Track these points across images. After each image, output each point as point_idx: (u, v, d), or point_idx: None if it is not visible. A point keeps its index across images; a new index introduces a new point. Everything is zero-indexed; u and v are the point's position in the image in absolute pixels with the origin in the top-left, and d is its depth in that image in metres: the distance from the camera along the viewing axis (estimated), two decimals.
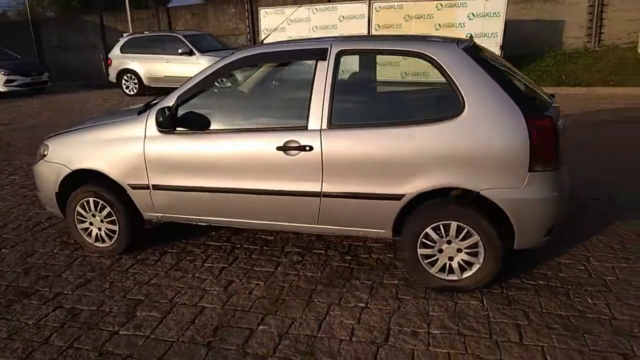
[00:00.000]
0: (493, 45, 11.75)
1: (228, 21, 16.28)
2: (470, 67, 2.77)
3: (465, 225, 2.81)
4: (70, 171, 3.53)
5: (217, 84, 3.56)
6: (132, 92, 13.52)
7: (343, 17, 13.05)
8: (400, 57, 3.29)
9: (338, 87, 2.95)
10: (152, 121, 3.28)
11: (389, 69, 12.70)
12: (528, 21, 13.27)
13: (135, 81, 13.43)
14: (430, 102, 3.12)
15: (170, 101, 3.25)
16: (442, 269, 2.94)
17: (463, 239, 2.84)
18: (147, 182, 3.36)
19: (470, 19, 11.88)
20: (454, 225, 2.83)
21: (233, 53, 3.29)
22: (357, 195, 2.94)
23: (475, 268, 2.87)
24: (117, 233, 3.57)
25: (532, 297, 2.89)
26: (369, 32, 12.79)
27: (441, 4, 12.10)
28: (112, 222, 3.56)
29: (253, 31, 15.95)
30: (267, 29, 13.89)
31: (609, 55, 12.41)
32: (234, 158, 3.14)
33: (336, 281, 3.16)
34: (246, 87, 3.88)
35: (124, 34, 14.36)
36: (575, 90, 11.01)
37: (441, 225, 2.86)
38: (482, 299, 2.89)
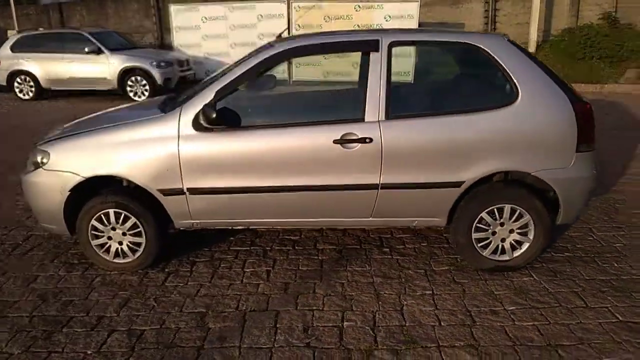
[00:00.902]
0: None
1: (131, 18, 15.25)
2: (518, 57, 3.00)
3: (518, 207, 3.04)
4: (83, 179, 3.14)
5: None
6: (27, 96, 12.05)
7: (262, 15, 12.94)
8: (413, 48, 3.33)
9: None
10: (186, 119, 3.06)
11: (310, 70, 12.97)
12: (433, 23, 14.28)
13: (31, 84, 12.01)
14: (484, 90, 3.29)
15: (207, 97, 3.05)
16: (495, 251, 3.15)
17: (515, 220, 3.08)
18: (182, 186, 3.12)
19: (387, 20, 12.47)
20: (507, 207, 3.05)
21: (272, 45, 3.17)
22: (416, 185, 3.03)
23: (525, 247, 3.13)
24: (143, 246, 3.26)
25: (571, 268, 3.22)
26: (289, 32, 12.85)
27: (359, 6, 12.55)
28: (137, 235, 3.25)
29: (161, 29, 15.14)
30: (179, 27, 13.30)
31: None
32: (284, 154, 3.04)
33: (390, 273, 3.23)
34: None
35: (11, 32, 12.79)
36: None
37: (495, 209, 3.06)
38: (532, 274, 3.16)
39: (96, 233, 3.27)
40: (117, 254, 3.31)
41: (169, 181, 3.12)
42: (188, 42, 13.28)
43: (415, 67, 9.89)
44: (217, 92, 3.04)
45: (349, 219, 3.23)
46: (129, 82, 11.02)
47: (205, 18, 13.07)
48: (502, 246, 3.15)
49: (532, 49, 13.54)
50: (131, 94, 11.02)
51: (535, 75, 2.97)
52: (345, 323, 2.70)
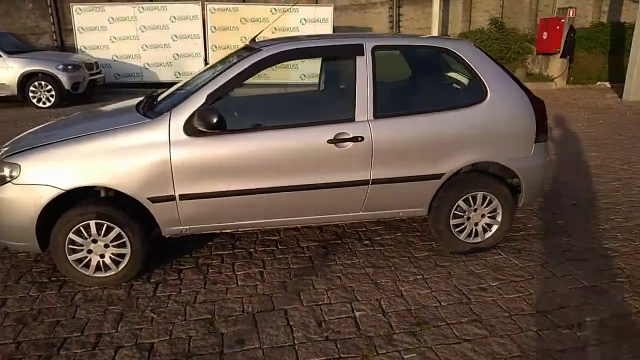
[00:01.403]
0: None
1: (25, 18, 13.91)
2: (485, 60, 3.33)
3: (489, 194, 3.38)
4: (62, 192, 2.93)
5: None
6: None
7: (175, 17, 12.53)
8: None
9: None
10: (176, 124, 2.98)
11: (287, 72, 12.82)
12: (344, 27, 14.80)
13: None
14: (457, 90, 3.57)
15: (198, 101, 3.00)
16: (469, 234, 3.46)
17: (487, 205, 3.41)
18: (173, 193, 3.04)
19: (303, 24, 12.73)
20: (480, 194, 3.38)
21: (261, 49, 3.19)
22: (403, 179, 3.24)
23: (494, 229, 3.48)
24: (128, 257, 3.11)
25: (530, 245, 3.64)
26: (204, 34, 12.61)
27: (275, 9, 12.67)
28: (121, 245, 3.09)
29: (60, 30, 14.00)
30: (82, 28, 12.44)
31: None
32: (278, 156, 3.09)
33: (378, 262, 3.41)
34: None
35: None
36: None
37: (470, 197, 3.37)
38: (500, 253, 3.52)
39: (74, 247, 3.05)
40: (97, 268, 3.12)
41: (159, 188, 3.02)
42: (93, 44, 12.48)
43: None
44: (209, 97, 3.01)
45: (339, 215, 3.35)
46: (32, 88, 10.10)
47: (113, 19, 12.37)
48: (475, 230, 3.47)
49: None
50: (34, 100, 10.13)
51: (499, 76, 3.33)
52: (356, 313, 2.82)
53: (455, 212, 3.40)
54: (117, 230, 3.05)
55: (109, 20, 12.39)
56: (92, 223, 3.02)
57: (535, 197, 3.62)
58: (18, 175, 2.93)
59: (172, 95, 3.42)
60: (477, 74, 3.29)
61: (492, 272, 3.26)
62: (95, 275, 3.13)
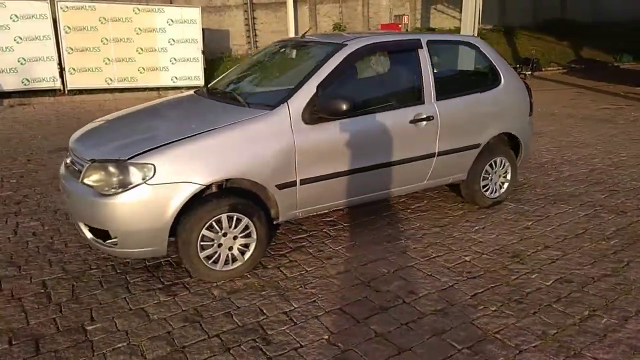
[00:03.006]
0: (195, 50, 12.74)
1: None
2: (495, 52, 4.26)
3: (504, 158, 4.34)
4: (202, 187, 2.92)
5: None
6: None
7: (17, 16, 10.91)
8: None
9: None
10: (295, 113, 3.20)
11: (158, 74, 11.91)
12: (203, 29, 14.71)
13: None
14: (481, 75, 4.35)
15: (310, 91, 3.26)
16: (492, 192, 4.38)
17: (502, 167, 4.37)
18: (295, 178, 3.25)
19: (170, 24, 12.35)
20: (499, 159, 4.31)
21: (346, 44, 3.53)
22: (457, 150, 3.98)
23: (506, 185, 4.46)
24: (253, 246, 3.20)
25: (522, 195, 4.73)
26: (57, 34, 11.29)
27: (138, 8, 12.01)
28: (247, 236, 3.17)
29: None
30: None
31: None
32: (374, 136, 3.53)
33: (436, 224, 4.09)
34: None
35: None
36: None
37: (492, 162, 4.28)
38: (509, 204, 4.52)
39: (205, 243, 3.03)
40: (226, 262, 3.14)
41: (285, 175, 3.19)
42: None
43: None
44: (318, 87, 3.28)
45: (411, 186, 3.92)
46: None
47: None
48: (494, 188, 4.40)
49: None
50: None
51: (505, 65, 4.31)
52: (466, 257, 3.46)
53: (484, 175, 4.26)
54: (246, 220, 3.12)
55: None
56: (224, 216, 3.04)
57: (528, 157, 4.72)
58: (153, 175, 2.80)
59: (268, 88, 3.58)
60: (492, 63, 4.21)
61: (519, 216, 4.22)
62: (223, 269, 3.14)
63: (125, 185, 2.79)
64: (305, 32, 4.20)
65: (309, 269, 3.31)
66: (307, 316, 2.77)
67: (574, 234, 3.84)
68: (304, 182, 3.29)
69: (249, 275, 3.22)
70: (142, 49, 12.18)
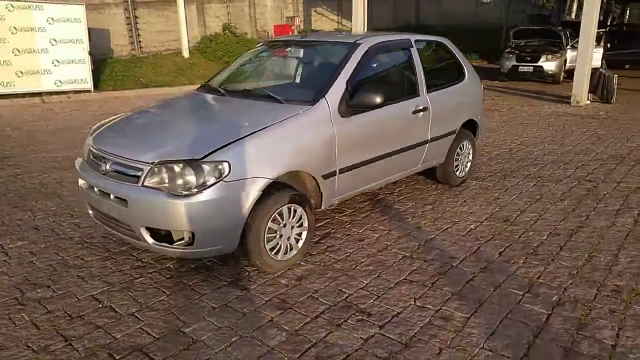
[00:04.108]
0: (80, 51, 11.76)
1: None
2: (458, 50, 4.92)
3: (469, 141, 5.04)
4: (271, 180, 3.03)
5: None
6: None
7: None
8: None
9: None
10: (333, 107, 3.45)
11: (39, 78, 10.55)
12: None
13: None
14: (452, 71, 4.88)
15: (342, 86, 3.52)
16: (460, 171, 5.05)
17: (466, 149, 5.06)
18: (335, 168, 3.49)
19: (50, 24, 11.20)
20: (465, 142, 5.00)
21: (359, 43, 3.83)
22: (443, 136, 4.54)
23: (469, 164, 5.17)
24: (305, 234, 3.38)
25: (477, 174, 5.50)
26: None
27: (12, 5, 10.69)
28: (300, 225, 3.34)
29: None
30: None
31: (163, 60, 14.81)
32: (392, 126, 3.94)
33: (420, 202, 4.62)
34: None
35: None
36: (167, 90, 12.97)
37: (462, 145, 4.95)
38: (472, 180, 5.25)
39: (269, 235, 3.14)
40: (285, 252, 3.28)
41: (329, 165, 3.43)
42: None
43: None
44: (347, 83, 3.57)
45: (410, 170, 4.38)
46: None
47: None
48: (462, 168, 5.07)
49: (186, 54, 15.13)
50: None
51: (466, 61, 5.00)
52: (471, 225, 4.03)
53: (456, 157, 4.91)
54: (300, 210, 3.29)
55: None
56: (285, 208, 3.18)
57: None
58: (229, 173, 2.85)
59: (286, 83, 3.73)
60: (458, 59, 4.86)
61: (481, 189, 4.94)
62: (284, 259, 3.26)
63: (202, 185, 2.78)
64: (305, 34, 4.41)
65: (350, 251, 3.57)
66: (383, 288, 3.05)
67: (535, 200, 4.66)
68: (341, 171, 3.54)
69: (302, 263, 3.38)
70: (19, 50, 10.88)
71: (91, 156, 3.30)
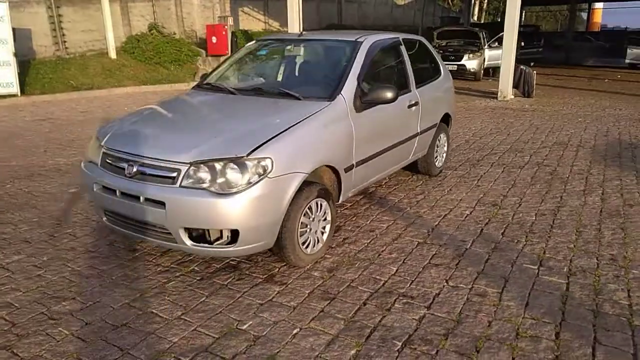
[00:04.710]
0: (4, 52, 10.88)
1: None
2: (433, 48, 5.21)
3: (445, 133, 5.36)
4: (307, 175, 3.09)
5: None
6: None
7: None
8: None
9: None
10: (349, 103, 3.56)
11: None
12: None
13: None
14: (429, 67, 5.09)
15: (354, 83, 3.64)
16: (439, 161, 5.36)
17: (442, 141, 5.38)
18: (353, 162, 3.61)
19: None
20: (442, 135, 5.31)
21: (361, 40, 3.95)
22: (429, 128, 4.80)
23: (444, 155, 5.49)
24: (329, 227, 3.46)
25: (454, 164, 5.86)
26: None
27: None
28: (324, 218, 3.42)
29: None
30: None
31: (89, 61, 14.00)
32: (392, 120, 4.11)
33: (412, 191, 4.87)
34: None
35: None
36: (98, 92, 12.32)
37: (439, 137, 5.26)
38: (449, 170, 5.58)
39: (301, 230, 3.20)
40: (314, 245, 3.34)
41: (348, 159, 3.55)
42: None
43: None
44: (358, 78, 3.70)
45: (403, 162, 4.58)
46: None
47: None
48: (440, 158, 5.39)
49: (113, 54, 14.43)
50: None
51: (440, 59, 5.30)
52: (464, 209, 4.33)
53: (436, 148, 5.21)
54: (325, 204, 3.37)
55: None
56: (314, 202, 3.25)
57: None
58: (272, 169, 2.87)
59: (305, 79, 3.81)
60: (435, 57, 5.16)
61: (459, 178, 5.29)
62: (313, 252, 3.33)
63: (247, 182, 2.78)
64: (302, 31, 4.45)
65: (367, 242, 3.70)
66: (413, 273, 3.22)
67: (510, 185, 5.07)
68: (358, 164, 3.66)
69: (327, 256, 3.46)
70: None
71: (108, 159, 3.15)
